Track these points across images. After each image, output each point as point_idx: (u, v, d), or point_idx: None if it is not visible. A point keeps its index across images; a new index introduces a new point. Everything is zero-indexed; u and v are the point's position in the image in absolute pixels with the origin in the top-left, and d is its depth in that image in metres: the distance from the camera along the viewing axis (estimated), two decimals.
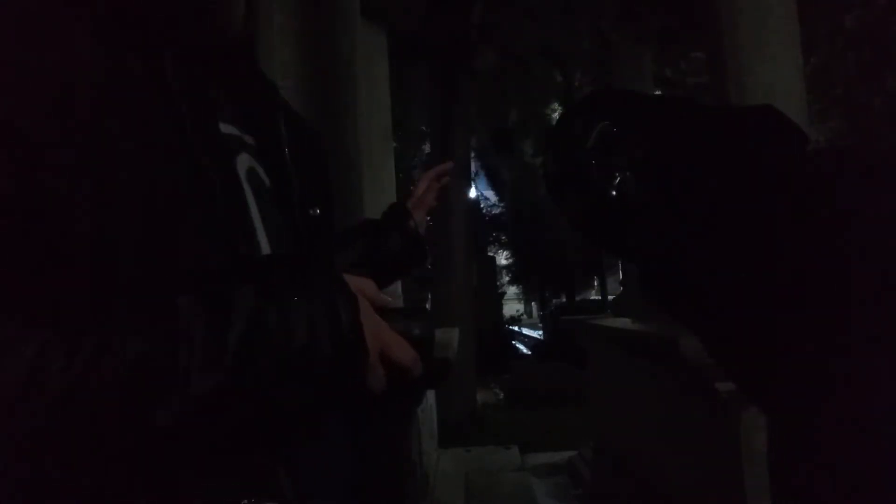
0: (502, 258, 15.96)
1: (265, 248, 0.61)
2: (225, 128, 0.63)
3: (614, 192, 0.60)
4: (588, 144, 0.62)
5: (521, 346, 12.74)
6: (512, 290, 18.42)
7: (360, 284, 0.57)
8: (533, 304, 20.58)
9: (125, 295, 0.49)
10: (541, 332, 14.09)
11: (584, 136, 0.62)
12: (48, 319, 0.45)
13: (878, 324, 0.47)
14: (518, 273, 15.37)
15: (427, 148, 9.97)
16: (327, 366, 0.51)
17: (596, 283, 15.63)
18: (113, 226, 0.49)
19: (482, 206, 14.31)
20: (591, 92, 0.69)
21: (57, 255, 0.47)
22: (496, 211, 14.82)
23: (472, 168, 11.22)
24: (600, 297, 13.61)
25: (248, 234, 0.59)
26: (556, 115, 11.27)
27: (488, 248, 14.42)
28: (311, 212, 0.70)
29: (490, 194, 14.87)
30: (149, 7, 0.58)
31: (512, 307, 19.06)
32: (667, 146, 0.60)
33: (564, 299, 14.02)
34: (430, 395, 4.22)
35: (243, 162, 0.64)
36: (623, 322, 3.57)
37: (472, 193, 11.99)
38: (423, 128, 9.67)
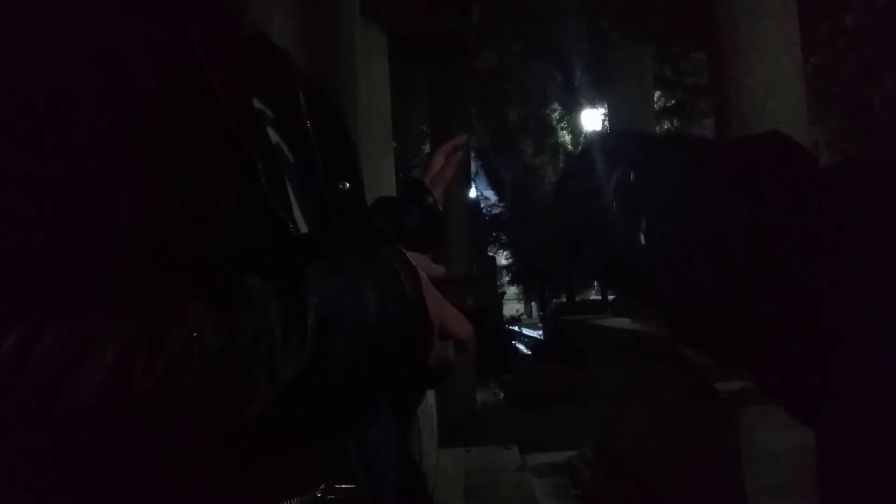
0: (502, 258, 15.96)
1: (302, 225, 0.58)
2: (254, 102, 0.61)
3: (642, 238, 0.58)
4: (609, 190, 0.60)
5: (521, 346, 12.74)
6: (512, 290, 18.42)
7: (414, 257, 0.54)
8: (533, 304, 20.59)
9: (184, 274, 0.46)
10: (541, 332, 14.09)
11: (601, 184, 0.61)
12: (124, 309, 0.42)
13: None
14: (518, 273, 15.37)
15: (427, 148, 9.97)
16: (399, 340, 0.50)
17: (596, 283, 15.63)
18: (158, 204, 0.46)
19: (482, 206, 14.30)
20: (600, 139, 0.67)
21: (113, 237, 0.45)
22: (496, 211, 14.82)
23: (472, 168, 11.23)
24: (600, 297, 13.61)
25: (288, 210, 0.56)
26: (555, 115, 11.29)
27: (488, 248, 14.41)
28: (341, 186, 0.67)
29: (490, 194, 14.87)
30: None
31: (512, 307, 19.07)
32: (686, 189, 0.59)
33: (564, 299, 14.02)
34: (430, 395, 4.21)
35: (271, 137, 0.61)
36: (623, 322, 3.57)
37: (472, 193, 12.00)
38: (424, 128, 9.67)
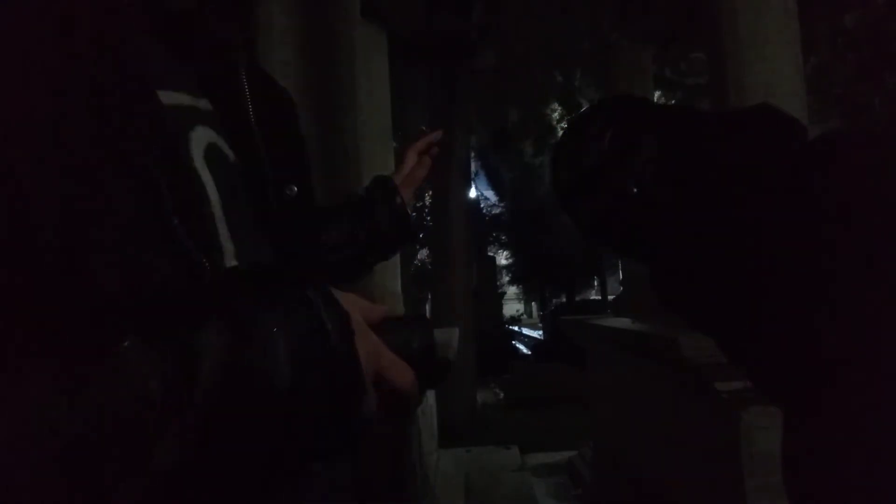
0: (502, 258, 15.96)
1: (229, 252, 0.50)
2: (171, 97, 0.50)
3: (634, 188, 0.61)
4: (603, 147, 0.63)
5: (521, 346, 12.74)
6: (512, 290, 18.41)
7: (350, 299, 0.48)
8: (533, 304, 20.58)
9: (56, 337, 0.37)
10: (541, 332, 14.09)
11: (596, 139, 0.63)
12: None
13: (882, 317, 0.47)
14: (518, 273, 15.37)
15: None
16: (320, 398, 0.43)
17: (596, 283, 15.63)
18: (27, 248, 0.37)
19: (482, 206, 14.30)
20: (598, 101, 0.70)
21: None
22: (496, 211, 14.81)
23: (472, 168, 11.22)
24: (600, 297, 13.61)
25: (207, 238, 0.48)
26: (556, 115, 11.28)
27: (488, 248, 14.41)
28: (287, 191, 0.59)
29: (490, 194, 14.87)
30: None
31: (512, 307, 19.06)
32: (677, 145, 0.61)
33: (564, 299, 14.02)
34: (430, 395, 4.21)
35: (200, 138, 0.52)
36: (623, 322, 3.57)
37: (472, 193, 11.99)
38: (423, 128, 9.66)
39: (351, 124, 2.25)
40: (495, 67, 7.88)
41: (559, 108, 10.97)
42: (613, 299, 5.24)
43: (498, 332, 11.18)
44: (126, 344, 0.37)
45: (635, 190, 0.60)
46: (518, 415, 6.90)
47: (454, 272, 7.02)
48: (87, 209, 0.40)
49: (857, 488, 0.48)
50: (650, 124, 0.64)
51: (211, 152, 0.52)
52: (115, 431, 0.35)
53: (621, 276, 5.59)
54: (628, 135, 0.63)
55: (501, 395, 8.24)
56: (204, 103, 0.54)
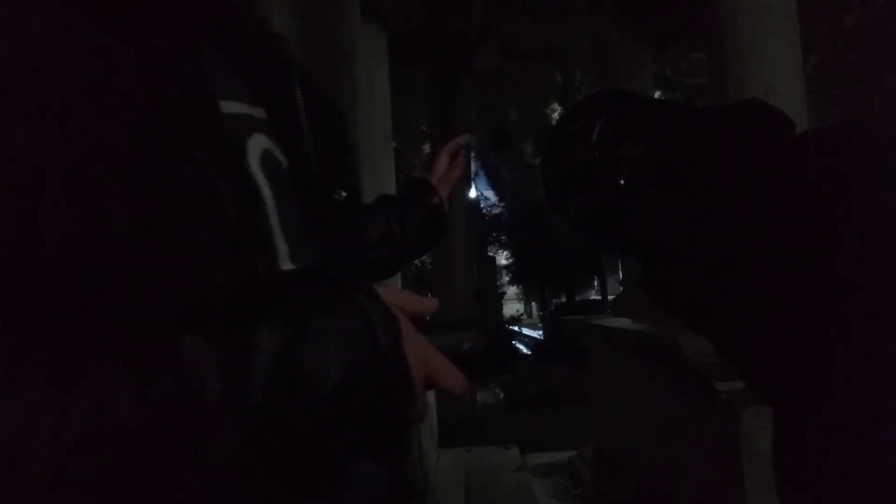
0: (502, 258, 15.96)
1: (284, 254, 0.52)
2: (230, 106, 0.52)
3: (622, 181, 0.60)
4: (592, 139, 0.62)
5: (521, 346, 12.74)
6: (512, 290, 18.42)
7: (398, 299, 0.49)
8: (533, 304, 20.58)
9: (121, 334, 0.39)
10: (541, 332, 14.09)
11: (585, 133, 0.63)
12: (28, 377, 0.36)
13: (876, 313, 0.47)
14: (518, 273, 15.37)
15: (427, 148, 9.97)
16: (369, 400, 0.44)
17: (596, 283, 15.63)
18: (103, 251, 0.40)
19: (482, 206, 14.31)
20: (589, 95, 0.70)
21: (38, 293, 0.38)
22: (496, 211, 14.82)
23: (472, 168, 11.23)
24: (600, 297, 13.60)
25: (264, 241, 0.50)
26: (556, 115, 11.28)
27: (488, 248, 14.42)
28: (336, 196, 0.61)
29: (490, 194, 14.87)
30: None
31: (512, 307, 19.06)
32: (667, 137, 0.61)
33: (564, 299, 14.02)
34: (430, 395, 4.22)
35: (256, 145, 0.54)
36: (623, 322, 3.57)
37: (472, 193, 12.00)
38: (423, 128, 9.67)
39: (351, 125, 2.25)
40: (495, 67, 7.88)
41: (559, 108, 10.98)
42: (613, 299, 5.24)
43: (498, 332, 11.16)
44: (187, 340, 0.39)
45: (623, 182, 0.60)
46: (518, 415, 6.90)
47: (454, 272, 7.02)
48: (156, 213, 0.42)
49: (857, 490, 0.48)
50: (639, 118, 0.64)
51: (266, 159, 0.54)
52: (176, 425, 0.37)
53: (621, 276, 5.59)
54: (617, 128, 0.63)
55: (501, 395, 8.24)
56: (259, 112, 0.56)
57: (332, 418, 0.43)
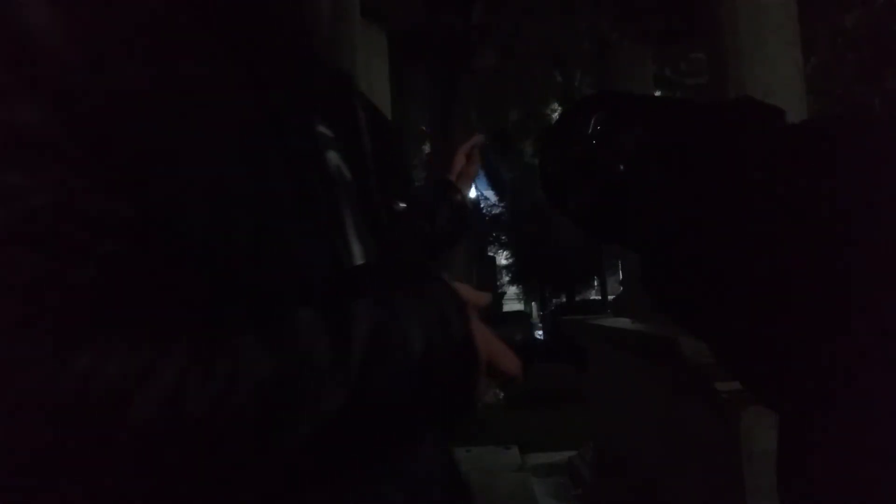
0: (502, 258, 15.95)
1: (358, 252, 0.59)
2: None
3: (621, 167, 0.61)
4: (588, 132, 0.63)
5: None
6: (512, 290, 18.40)
7: (464, 291, 0.56)
8: (533, 304, 20.57)
9: (242, 308, 0.48)
10: (541, 332, 14.08)
11: (583, 127, 0.64)
12: (180, 339, 0.43)
13: (875, 310, 0.47)
14: (518, 273, 15.36)
15: (427, 148, 9.97)
16: (444, 376, 0.51)
17: (596, 283, 15.62)
18: (224, 237, 0.47)
19: (482, 206, 14.29)
20: (585, 96, 0.71)
21: (176, 271, 0.46)
22: (496, 211, 14.81)
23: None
24: (600, 297, 13.59)
25: (345, 238, 0.57)
26: (556, 116, 11.28)
27: (488, 248, 14.40)
28: (395, 207, 0.69)
29: (490, 194, 14.86)
30: (240, 12, 0.55)
31: (512, 307, 19.04)
32: (663, 125, 0.62)
33: (564, 299, 14.02)
34: None
35: (331, 159, 0.61)
36: (623, 322, 3.57)
37: (473, 193, 11.99)
38: (423, 128, 9.66)
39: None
40: (495, 67, 7.88)
41: (559, 108, 10.98)
42: (613, 299, 5.24)
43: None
44: (302, 313, 0.47)
45: (621, 168, 0.61)
46: (518, 415, 6.90)
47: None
48: (273, 213, 0.51)
49: (858, 490, 0.48)
50: (635, 109, 0.64)
51: (337, 172, 0.61)
52: (296, 380, 0.45)
53: (621, 276, 5.59)
54: (613, 121, 0.63)
55: (501, 395, 8.24)
56: (329, 132, 0.63)
57: (416, 388, 0.50)
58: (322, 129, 0.61)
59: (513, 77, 8.64)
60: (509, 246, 15.05)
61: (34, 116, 0.42)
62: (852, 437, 0.48)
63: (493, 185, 14.54)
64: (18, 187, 0.41)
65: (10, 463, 0.39)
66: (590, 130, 0.64)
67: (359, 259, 0.58)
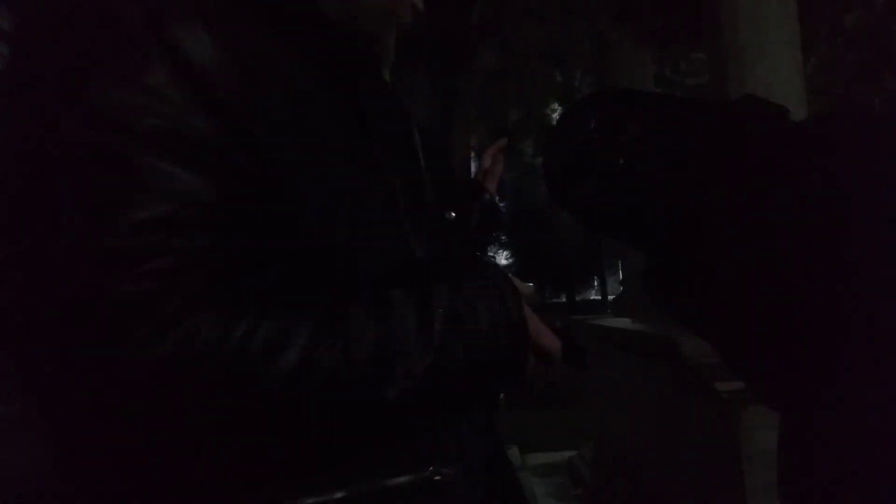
0: (502, 258, 15.95)
1: (425, 247, 0.67)
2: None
3: (622, 161, 0.61)
4: (591, 126, 0.64)
5: None
6: None
7: (515, 282, 0.64)
8: None
9: (345, 283, 0.57)
10: None
11: (585, 122, 0.64)
12: (307, 309, 0.53)
13: (878, 304, 0.47)
14: (518, 273, 15.35)
15: None
16: (503, 352, 0.59)
17: (596, 283, 15.62)
18: (330, 220, 0.57)
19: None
20: (588, 94, 0.71)
21: (298, 257, 0.56)
22: None
23: (472, 168, 11.21)
24: (600, 297, 13.60)
25: (417, 234, 0.66)
26: (556, 116, 11.29)
27: (488, 249, 14.40)
28: (448, 216, 0.79)
29: None
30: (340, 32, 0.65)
31: None
32: (664, 120, 0.62)
33: (564, 299, 14.02)
34: None
35: (400, 172, 0.69)
36: (623, 322, 3.57)
37: None
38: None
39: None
40: (495, 67, 7.88)
41: (559, 108, 10.97)
42: (613, 299, 5.24)
43: None
44: (394, 292, 0.56)
45: (623, 162, 0.61)
46: (518, 415, 6.90)
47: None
48: (365, 212, 0.60)
49: (859, 490, 0.48)
50: (635, 106, 0.64)
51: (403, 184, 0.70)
52: (388, 347, 0.53)
53: (621, 276, 5.59)
54: (614, 116, 0.63)
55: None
56: (395, 146, 0.72)
57: (482, 358, 0.58)
58: (395, 145, 0.70)
59: (513, 77, 8.64)
60: (509, 246, 15.06)
61: (207, 127, 0.52)
62: (853, 437, 0.48)
63: None
64: (191, 182, 0.50)
65: (192, 412, 0.47)
66: (593, 125, 0.64)
67: (427, 253, 0.67)
